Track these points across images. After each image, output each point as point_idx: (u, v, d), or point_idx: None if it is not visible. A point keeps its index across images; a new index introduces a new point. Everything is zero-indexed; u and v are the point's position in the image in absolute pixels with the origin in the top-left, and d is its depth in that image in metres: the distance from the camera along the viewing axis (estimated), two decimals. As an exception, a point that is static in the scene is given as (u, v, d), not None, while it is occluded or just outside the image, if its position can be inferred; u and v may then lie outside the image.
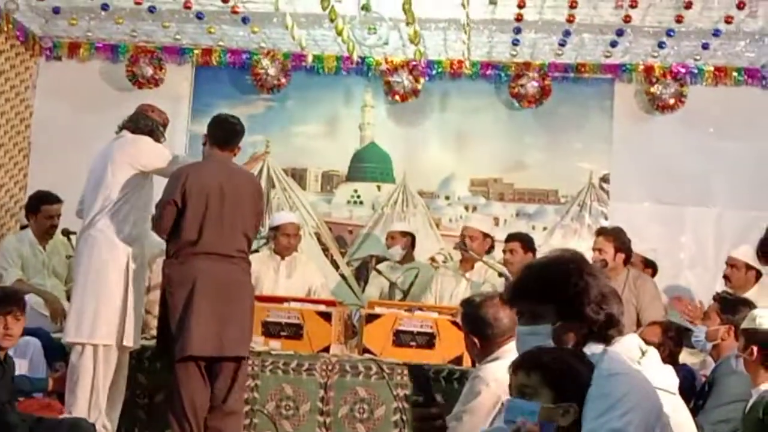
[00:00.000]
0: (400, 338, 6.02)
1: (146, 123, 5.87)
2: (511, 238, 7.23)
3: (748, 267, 6.36)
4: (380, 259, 7.95)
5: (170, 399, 5.44)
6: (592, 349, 2.85)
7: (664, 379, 3.31)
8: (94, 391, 5.45)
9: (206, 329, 5.32)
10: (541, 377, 2.71)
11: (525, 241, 7.15)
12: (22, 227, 7.23)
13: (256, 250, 6.87)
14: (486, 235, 7.21)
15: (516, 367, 2.78)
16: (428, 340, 5.98)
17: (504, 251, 7.18)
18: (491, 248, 7.32)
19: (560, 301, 2.91)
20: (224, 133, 5.73)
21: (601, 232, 6.68)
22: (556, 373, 2.71)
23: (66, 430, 4.64)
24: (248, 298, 5.58)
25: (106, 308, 5.52)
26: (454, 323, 5.90)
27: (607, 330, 2.91)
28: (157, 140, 5.88)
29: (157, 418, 5.81)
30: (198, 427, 5.35)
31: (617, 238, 6.51)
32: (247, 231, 5.57)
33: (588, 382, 2.68)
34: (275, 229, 7.21)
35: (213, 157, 5.68)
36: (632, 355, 3.26)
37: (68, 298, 6.53)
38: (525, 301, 3.03)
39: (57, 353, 5.73)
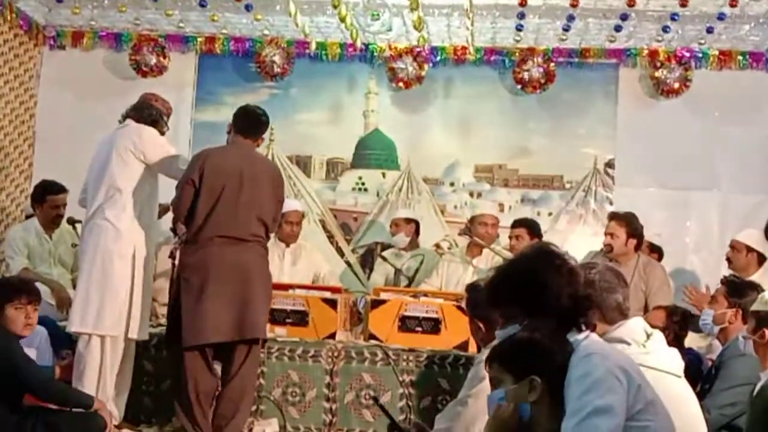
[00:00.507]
0: (406, 324, 6.01)
1: (150, 112, 5.87)
2: (517, 224, 7.23)
3: (749, 249, 6.37)
4: (385, 246, 7.96)
5: (177, 387, 5.44)
6: (575, 336, 2.87)
7: (669, 361, 3.34)
8: (101, 380, 5.46)
9: (222, 314, 5.31)
10: (499, 364, 2.82)
11: (531, 227, 7.15)
12: (27, 216, 7.24)
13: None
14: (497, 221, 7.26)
15: (485, 364, 2.91)
16: (434, 326, 5.98)
17: (510, 237, 7.18)
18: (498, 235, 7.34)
19: (523, 299, 2.95)
20: (249, 122, 5.73)
21: (613, 216, 6.65)
22: (511, 356, 2.81)
23: (82, 422, 4.64)
24: (264, 281, 5.54)
25: (111, 299, 5.52)
26: (460, 308, 5.90)
27: (581, 315, 2.93)
28: (161, 130, 5.87)
29: (163, 406, 5.83)
30: (204, 415, 5.36)
31: (630, 223, 6.49)
32: (264, 216, 5.53)
33: (560, 355, 2.75)
34: (283, 220, 7.21)
35: (235, 143, 5.70)
36: (637, 337, 3.29)
37: (74, 287, 6.56)
38: (495, 305, 3.09)
39: (63, 341, 5.76)
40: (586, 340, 2.84)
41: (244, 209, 5.45)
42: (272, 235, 7.03)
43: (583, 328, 2.91)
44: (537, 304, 2.90)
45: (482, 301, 3.79)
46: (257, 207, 5.49)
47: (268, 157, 8.44)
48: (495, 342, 3.04)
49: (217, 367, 5.48)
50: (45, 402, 4.57)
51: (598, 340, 2.90)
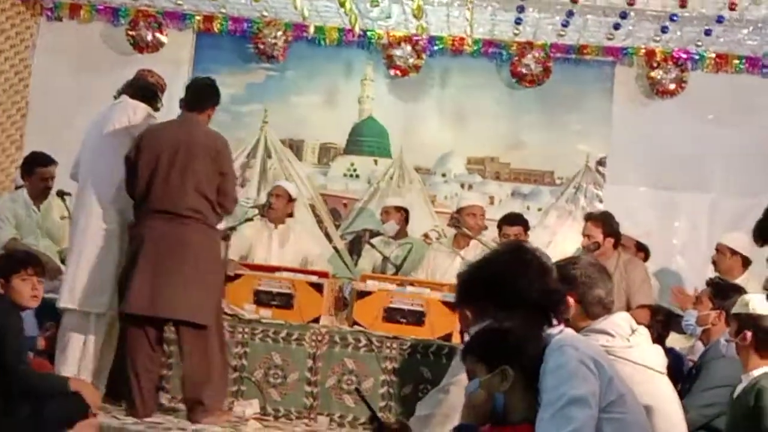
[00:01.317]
0: (391, 315, 6.01)
1: (146, 89, 5.85)
2: (513, 222, 7.15)
3: (733, 252, 6.39)
4: (374, 233, 7.95)
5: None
6: (549, 330, 2.90)
7: (652, 358, 3.35)
8: (85, 354, 5.48)
9: (141, 287, 5.27)
10: (472, 356, 2.85)
11: (526, 225, 7.14)
12: (17, 187, 7.21)
13: (250, 219, 6.87)
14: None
15: (461, 358, 2.93)
16: (418, 318, 5.98)
17: (507, 236, 7.12)
18: (485, 227, 7.32)
19: (493, 294, 2.96)
20: (190, 93, 5.66)
21: (589, 217, 6.67)
22: (482, 347, 2.84)
23: (64, 404, 4.63)
24: (198, 259, 5.38)
25: (100, 276, 5.52)
26: (445, 303, 5.91)
27: (552, 309, 2.96)
28: (155, 106, 5.86)
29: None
30: (141, 392, 5.34)
31: (605, 222, 6.51)
32: (203, 190, 5.38)
33: (532, 345, 2.78)
34: (269, 195, 7.21)
35: (178, 117, 5.65)
36: (621, 330, 3.30)
37: (62, 260, 6.56)
38: (466, 303, 3.11)
39: (47, 313, 5.74)
40: (560, 334, 2.87)
41: (178, 182, 5.37)
42: (257, 216, 7.03)
43: (555, 322, 2.93)
44: (507, 299, 2.92)
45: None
46: (192, 181, 5.37)
47: (261, 139, 8.48)
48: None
49: None
50: (18, 393, 4.53)
51: (571, 333, 2.94)
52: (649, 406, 3.07)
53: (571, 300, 3.30)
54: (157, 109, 5.88)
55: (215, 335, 5.44)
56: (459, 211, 7.24)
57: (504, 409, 2.74)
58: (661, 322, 5.44)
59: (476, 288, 3.05)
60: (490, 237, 7.28)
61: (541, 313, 2.92)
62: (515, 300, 2.90)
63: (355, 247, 8.34)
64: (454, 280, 6.21)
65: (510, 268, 2.99)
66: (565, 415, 2.60)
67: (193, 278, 5.33)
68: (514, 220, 7.20)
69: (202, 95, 5.67)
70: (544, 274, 3.00)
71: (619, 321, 3.36)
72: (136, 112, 5.67)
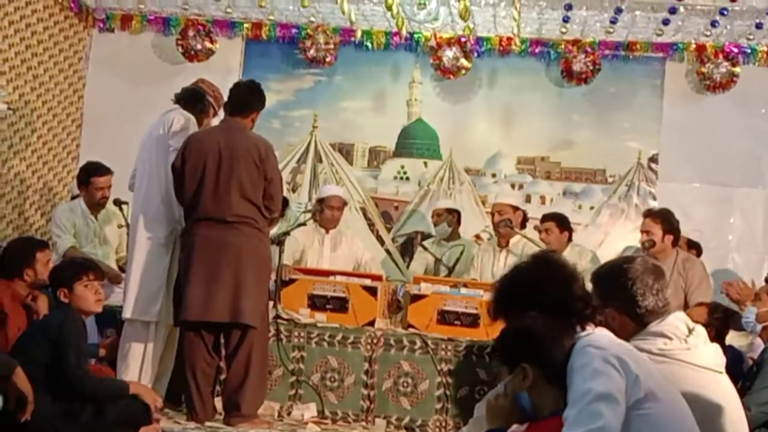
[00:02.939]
0: (445, 317, 6.03)
1: (189, 93, 5.89)
2: (545, 218, 7.19)
3: None
4: (425, 236, 7.98)
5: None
6: (579, 333, 2.93)
7: (710, 357, 3.33)
8: (145, 361, 5.56)
9: (198, 294, 5.34)
10: (497, 359, 2.98)
11: (559, 220, 7.12)
12: (73, 197, 7.33)
13: (303, 224, 6.93)
14: (516, 209, 7.21)
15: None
16: (473, 320, 5.99)
17: (540, 231, 7.15)
18: (525, 220, 7.30)
19: (519, 302, 3.02)
20: (232, 98, 5.65)
21: (648, 213, 6.60)
22: (501, 348, 2.93)
23: (127, 407, 4.70)
24: (247, 263, 5.41)
25: (151, 285, 5.60)
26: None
27: (579, 314, 2.98)
28: (204, 110, 5.88)
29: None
30: (201, 397, 5.40)
31: (665, 219, 6.45)
32: (249, 196, 5.41)
33: (552, 339, 2.83)
34: (321, 201, 7.24)
35: (222, 122, 5.66)
36: (678, 332, 3.28)
37: (119, 268, 6.67)
38: (501, 314, 3.13)
39: (107, 320, 5.85)
40: (587, 335, 2.89)
41: (224, 189, 5.39)
42: (314, 221, 7.08)
43: (584, 325, 2.96)
44: (531, 305, 2.97)
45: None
46: (237, 187, 5.39)
47: (311, 143, 8.53)
48: None
49: None
50: (78, 398, 4.61)
51: (599, 333, 2.96)
52: (711, 407, 3.05)
53: (613, 312, 3.29)
54: (206, 114, 5.89)
55: (259, 339, 5.48)
56: (492, 211, 7.26)
57: (532, 406, 2.77)
58: (720, 320, 5.38)
59: (502, 300, 3.13)
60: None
61: (567, 319, 2.96)
62: (540, 308, 2.94)
63: (407, 249, 8.36)
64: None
65: (535, 277, 3.07)
66: (592, 411, 2.62)
67: (243, 282, 5.37)
68: (546, 216, 7.22)
69: (245, 99, 5.65)
70: (569, 281, 3.05)
71: (676, 322, 3.33)
72: (173, 121, 5.69)
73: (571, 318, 2.97)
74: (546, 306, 2.94)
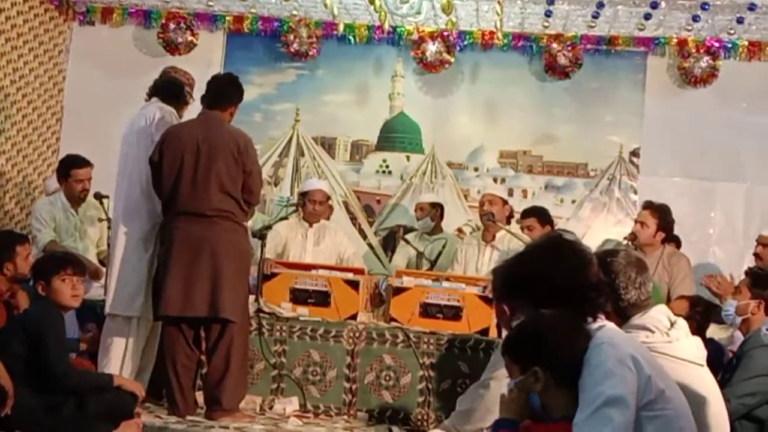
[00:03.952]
0: (427, 310, 6.03)
1: (169, 86, 5.83)
2: (526, 214, 7.17)
3: None
4: (408, 229, 7.97)
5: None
6: (590, 326, 2.88)
7: (692, 350, 3.33)
8: (126, 355, 5.53)
9: (176, 289, 5.32)
10: (506, 356, 2.87)
11: (540, 215, 7.11)
12: (48, 195, 7.28)
13: (285, 217, 6.91)
14: (505, 202, 7.20)
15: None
16: (455, 313, 5.99)
17: (522, 228, 7.15)
18: (511, 215, 7.29)
19: (529, 291, 2.95)
20: (209, 91, 5.61)
21: (648, 205, 6.58)
22: (513, 348, 2.85)
23: (110, 400, 4.69)
24: (226, 257, 5.38)
25: (133, 280, 5.57)
26: (482, 297, 5.92)
27: (590, 305, 2.93)
28: (183, 102, 5.84)
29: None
30: (182, 390, 5.39)
31: (663, 215, 6.46)
32: (228, 189, 5.38)
33: (566, 342, 2.76)
34: (304, 195, 7.22)
35: (199, 116, 5.61)
36: (660, 325, 3.29)
37: (100, 262, 6.64)
38: (503, 299, 3.10)
39: (88, 315, 5.81)
40: (600, 330, 2.85)
41: (203, 183, 5.36)
42: (297, 215, 7.07)
43: (596, 317, 2.91)
44: (542, 295, 2.90)
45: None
46: (216, 180, 5.37)
47: (293, 137, 8.52)
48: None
49: None
50: (61, 391, 4.59)
51: (611, 328, 2.90)
52: (692, 400, 3.06)
53: None
54: (186, 103, 5.86)
55: (239, 333, 5.46)
56: (481, 200, 7.22)
57: (542, 407, 2.75)
58: (701, 313, 5.41)
59: (512, 284, 3.05)
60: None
61: (579, 309, 2.89)
62: (550, 296, 2.88)
63: (389, 243, 8.35)
64: (487, 274, 6.27)
65: (544, 263, 2.96)
66: (602, 416, 2.59)
67: (222, 276, 5.35)
68: (526, 212, 7.22)
69: (223, 92, 5.62)
70: (581, 268, 2.96)
71: (658, 315, 3.33)
72: (156, 114, 5.65)
73: (585, 308, 2.90)
74: (558, 295, 2.87)
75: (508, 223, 7.15)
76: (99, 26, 8.61)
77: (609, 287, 3.23)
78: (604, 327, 2.88)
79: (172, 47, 8.30)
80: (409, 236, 7.60)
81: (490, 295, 5.50)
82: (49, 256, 5.18)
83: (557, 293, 2.88)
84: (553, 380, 2.73)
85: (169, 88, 5.81)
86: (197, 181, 5.38)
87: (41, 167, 8.24)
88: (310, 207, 7.10)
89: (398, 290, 6.11)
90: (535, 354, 2.75)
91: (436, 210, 7.63)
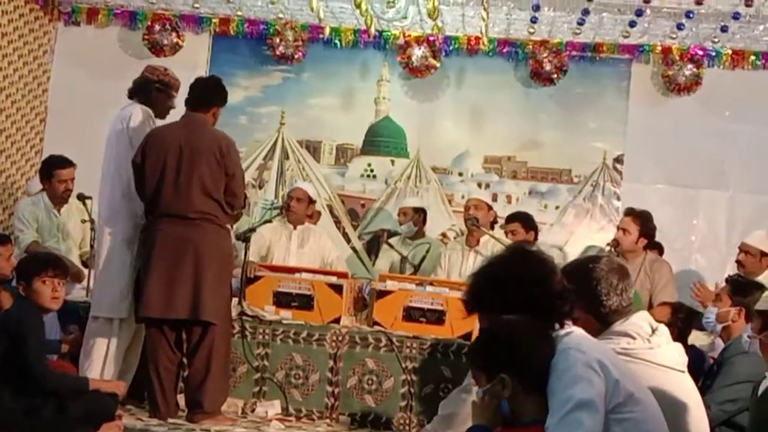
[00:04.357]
0: (410, 314, 6.03)
1: (140, 86, 5.78)
2: (510, 219, 7.22)
3: (763, 254, 6.35)
4: (392, 233, 7.97)
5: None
6: (558, 332, 2.90)
7: (673, 357, 3.35)
8: (108, 357, 5.51)
9: (158, 291, 5.33)
10: (474, 366, 2.92)
11: (524, 220, 7.15)
12: (29, 196, 7.26)
13: (270, 220, 6.90)
14: (490, 207, 7.22)
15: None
16: (438, 317, 5.99)
17: (506, 233, 7.18)
18: (495, 221, 7.31)
19: (494, 300, 2.98)
20: (192, 93, 5.62)
21: (630, 212, 6.61)
22: (478, 356, 2.88)
23: (91, 403, 4.67)
24: (208, 259, 5.39)
25: (118, 282, 5.56)
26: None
27: (557, 312, 2.94)
28: (150, 99, 5.75)
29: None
30: (164, 392, 5.39)
31: (644, 222, 6.49)
32: (211, 192, 5.40)
33: (530, 349, 2.78)
34: (288, 196, 7.22)
35: (182, 118, 5.62)
36: (641, 332, 3.30)
37: (83, 263, 6.62)
38: (472, 309, 3.11)
39: (70, 316, 5.79)
40: (567, 336, 2.86)
41: (185, 185, 5.38)
42: (281, 218, 7.05)
43: (562, 324, 2.93)
44: (507, 304, 2.92)
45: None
46: (198, 183, 5.38)
47: (278, 140, 8.51)
48: None
49: None
50: (40, 393, 4.56)
51: (579, 334, 2.92)
52: (673, 406, 3.07)
53: (578, 312, 3.27)
54: (154, 100, 5.78)
55: (221, 336, 5.46)
56: (467, 205, 7.23)
57: (512, 412, 2.76)
58: (683, 320, 5.44)
59: (479, 294, 3.08)
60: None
61: (545, 317, 2.91)
62: (515, 305, 2.90)
63: (373, 247, 8.35)
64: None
65: (509, 272, 2.99)
66: (573, 420, 2.61)
67: (204, 279, 5.36)
68: (510, 217, 7.26)
69: (206, 95, 5.63)
70: (546, 278, 2.98)
71: (639, 322, 3.34)
72: (132, 116, 5.64)
73: (550, 316, 2.92)
74: (523, 304, 2.89)
75: (492, 228, 7.16)
76: (84, 27, 8.58)
77: (590, 293, 3.25)
78: (571, 333, 2.90)
79: (157, 49, 8.28)
80: (392, 240, 7.61)
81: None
82: (31, 257, 5.16)
83: (522, 302, 2.91)
84: (521, 386, 2.75)
85: (138, 87, 5.79)
86: (180, 183, 5.39)
87: (24, 167, 8.21)
88: (293, 205, 7.07)
89: (382, 293, 6.11)
90: (500, 361, 2.77)
91: (419, 215, 7.64)
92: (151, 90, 5.75)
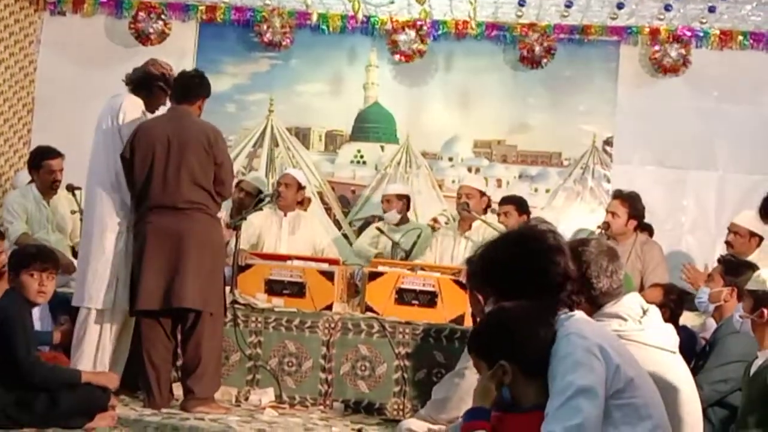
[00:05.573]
0: (403, 297, 6.03)
1: (139, 80, 5.77)
2: (504, 201, 7.24)
3: (752, 234, 6.36)
4: (382, 219, 7.96)
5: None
6: (559, 316, 2.88)
7: (664, 338, 3.35)
8: (100, 348, 5.49)
9: (152, 283, 5.34)
10: (474, 353, 2.88)
11: (518, 204, 7.16)
12: (15, 188, 7.22)
13: (260, 208, 6.88)
14: (482, 194, 7.21)
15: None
16: (430, 299, 5.99)
17: (498, 215, 7.19)
18: (488, 206, 7.31)
19: (498, 282, 2.97)
20: (177, 86, 5.64)
21: (618, 195, 6.62)
22: (478, 344, 2.87)
23: (82, 396, 4.66)
24: (203, 250, 5.42)
25: (105, 273, 5.52)
26: (457, 282, 5.94)
27: (559, 294, 2.93)
28: (152, 95, 5.76)
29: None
30: (159, 382, 5.40)
31: (633, 204, 6.50)
32: (200, 181, 5.42)
33: (529, 335, 2.76)
34: (277, 183, 7.22)
35: (169, 110, 5.65)
36: (632, 313, 3.30)
37: (73, 254, 6.59)
38: (475, 288, 3.10)
39: (62, 307, 5.77)
40: (568, 320, 2.85)
41: (174, 176, 5.40)
42: (272, 206, 7.03)
43: (571, 308, 2.92)
44: (511, 287, 2.91)
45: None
46: (187, 173, 5.41)
47: (267, 127, 8.49)
48: None
49: None
50: (30, 386, 4.55)
51: (580, 318, 2.90)
52: (664, 387, 3.08)
53: None
54: (153, 97, 5.73)
55: (213, 324, 5.47)
56: (459, 192, 7.20)
57: (512, 398, 2.76)
58: (675, 301, 5.45)
59: (482, 274, 3.07)
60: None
61: (548, 300, 2.89)
62: (519, 288, 2.89)
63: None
64: (462, 264, 6.29)
65: (513, 255, 2.97)
66: (572, 406, 2.60)
67: (196, 267, 5.37)
68: (505, 199, 7.29)
69: (191, 86, 5.66)
70: (548, 259, 2.95)
71: (630, 303, 3.35)
72: (123, 106, 5.61)
73: (552, 298, 2.90)
74: (524, 286, 2.88)
75: (485, 214, 7.16)
76: (70, 16, 8.54)
77: (581, 276, 3.24)
78: (572, 317, 2.88)
79: (143, 37, 8.25)
80: (384, 226, 7.61)
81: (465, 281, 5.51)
82: (21, 249, 5.14)
83: (524, 283, 2.90)
84: (521, 372, 2.74)
85: (139, 81, 5.76)
86: (168, 174, 5.41)
87: (12, 158, 8.17)
88: (282, 191, 7.07)
89: (373, 275, 6.10)
90: (501, 348, 2.76)
91: (403, 201, 7.62)
92: (152, 86, 5.74)
